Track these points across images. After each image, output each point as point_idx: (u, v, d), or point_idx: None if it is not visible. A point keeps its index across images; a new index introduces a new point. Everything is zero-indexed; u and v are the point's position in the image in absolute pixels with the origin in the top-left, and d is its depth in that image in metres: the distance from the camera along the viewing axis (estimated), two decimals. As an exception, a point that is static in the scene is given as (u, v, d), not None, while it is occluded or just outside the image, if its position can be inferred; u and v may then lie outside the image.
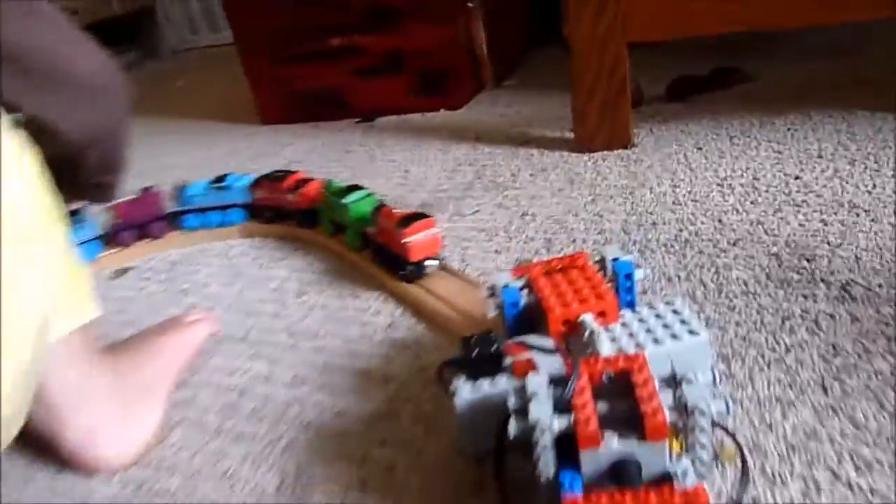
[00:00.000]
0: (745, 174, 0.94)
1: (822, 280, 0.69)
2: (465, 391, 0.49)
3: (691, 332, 0.52)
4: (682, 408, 0.42)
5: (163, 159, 1.61)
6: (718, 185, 0.93)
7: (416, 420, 0.62)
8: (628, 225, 0.87)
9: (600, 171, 1.05)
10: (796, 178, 0.90)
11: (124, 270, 1.04)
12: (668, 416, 0.41)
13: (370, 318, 0.78)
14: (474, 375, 0.50)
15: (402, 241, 0.78)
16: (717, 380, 0.45)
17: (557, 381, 0.44)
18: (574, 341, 0.53)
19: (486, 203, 1.02)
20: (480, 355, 0.51)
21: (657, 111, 1.27)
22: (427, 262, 0.80)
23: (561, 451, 0.42)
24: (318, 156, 1.40)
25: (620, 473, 0.41)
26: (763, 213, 0.83)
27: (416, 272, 0.80)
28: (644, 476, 0.41)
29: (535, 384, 0.43)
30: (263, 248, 1.02)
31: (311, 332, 0.78)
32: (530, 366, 0.50)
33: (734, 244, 0.78)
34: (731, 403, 0.44)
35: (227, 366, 0.76)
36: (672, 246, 0.80)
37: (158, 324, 0.78)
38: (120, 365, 0.67)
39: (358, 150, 1.39)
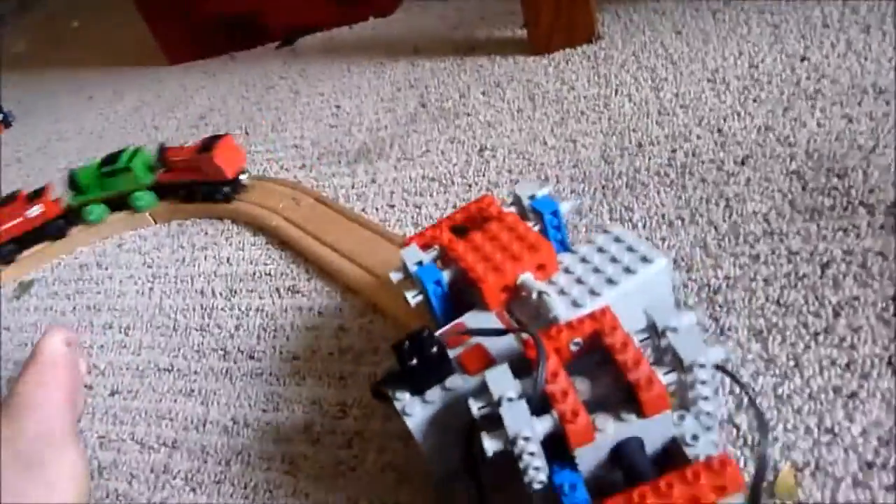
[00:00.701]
0: (739, 61, 0.78)
1: (862, 203, 0.55)
2: (416, 408, 0.41)
3: (645, 259, 0.45)
4: (675, 363, 0.36)
5: (62, 123, 1.40)
6: (710, 80, 0.77)
7: (384, 468, 0.49)
8: (608, 150, 0.72)
9: (565, 78, 0.88)
10: (802, 59, 0.74)
11: (27, 285, 0.88)
12: (665, 381, 0.35)
13: (314, 321, 0.64)
14: (420, 387, 0.41)
15: (215, 163, 0.81)
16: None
17: (519, 367, 0.37)
18: (519, 308, 0.45)
19: (435, 139, 0.85)
20: (421, 362, 0.41)
21: (620, -13, 1.07)
22: (241, 177, 0.85)
23: (547, 446, 0.35)
24: (236, 99, 1.20)
25: (624, 458, 0.35)
26: (771, 115, 0.68)
27: (234, 189, 0.85)
28: (649, 451, 0.36)
29: (498, 382, 0.36)
30: (181, 235, 0.86)
31: (248, 349, 0.64)
32: (481, 354, 0.42)
33: (743, 163, 0.63)
34: (725, 339, 0.39)
35: (154, 409, 0.62)
36: (666, 174, 0.65)
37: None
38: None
39: (280, 84, 1.19)
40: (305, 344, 0.62)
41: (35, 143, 1.36)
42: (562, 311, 0.42)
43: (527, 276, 0.45)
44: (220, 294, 0.73)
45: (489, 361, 0.41)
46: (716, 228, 0.58)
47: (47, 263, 0.91)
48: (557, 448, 0.35)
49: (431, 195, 0.75)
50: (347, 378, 0.57)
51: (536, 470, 0.35)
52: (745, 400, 0.44)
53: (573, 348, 0.38)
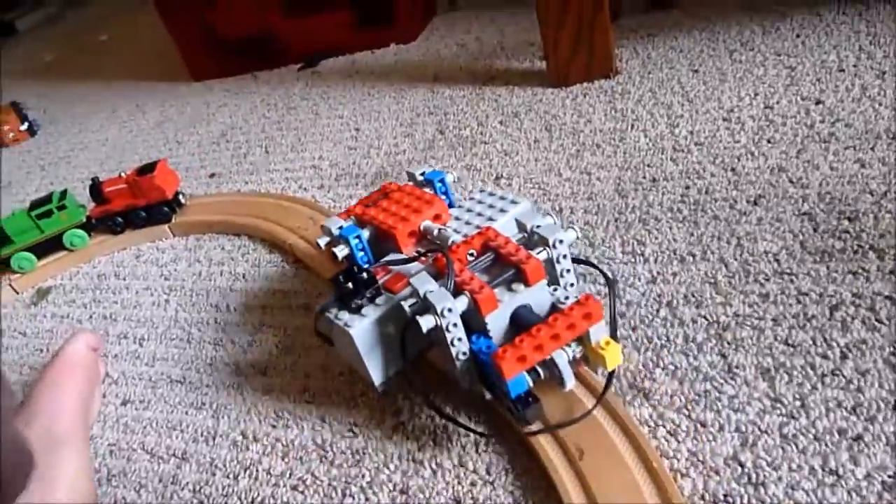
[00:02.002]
0: (754, 102, 0.79)
1: (872, 247, 0.56)
2: (356, 322, 0.50)
3: (513, 202, 0.60)
4: (542, 243, 0.50)
5: (86, 134, 1.43)
6: (725, 119, 0.78)
7: (393, 489, 0.50)
8: (623, 184, 0.73)
9: (582, 111, 0.90)
10: (817, 102, 0.76)
11: (45, 292, 0.90)
12: (539, 256, 0.48)
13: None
14: (356, 307, 0.51)
15: (156, 184, 0.88)
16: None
17: (435, 278, 0.48)
18: (425, 247, 0.57)
19: (452, 165, 0.87)
20: (355, 286, 0.51)
21: (640, 23, 1.10)
22: (181, 198, 0.93)
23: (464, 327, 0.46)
24: (257, 118, 1.22)
25: (520, 321, 0.46)
26: (784, 156, 0.69)
27: (173, 208, 0.92)
28: (538, 316, 0.47)
29: (421, 282, 0.47)
30: (198, 249, 0.87)
31: (260, 365, 0.65)
32: (401, 278, 0.53)
33: (755, 202, 0.64)
34: (577, 230, 0.52)
35: (165, 420, 0.63)
36: (679, 210, 0.67)
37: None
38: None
39: (301, 105, 1.21)
40: (317, 362, 0.63)
41: (58, 153, 1.39)
42: (455, 237, 0.55)
43: (427, 222, 0.58)
44: (235, 309, 0.74)
45: (405, 281, 0.52)
46: (726, 266, 0.59)
47: (66, 272, 0.92)
48: (471, 327, 0.46)
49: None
50: (358, 398, 0.58)
51: (460, 341, 0.46)
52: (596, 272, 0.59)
53: (469, 258, 0.50)
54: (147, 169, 0.90)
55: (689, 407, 0.49)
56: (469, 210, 0.61)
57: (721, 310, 0.55)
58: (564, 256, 0.50)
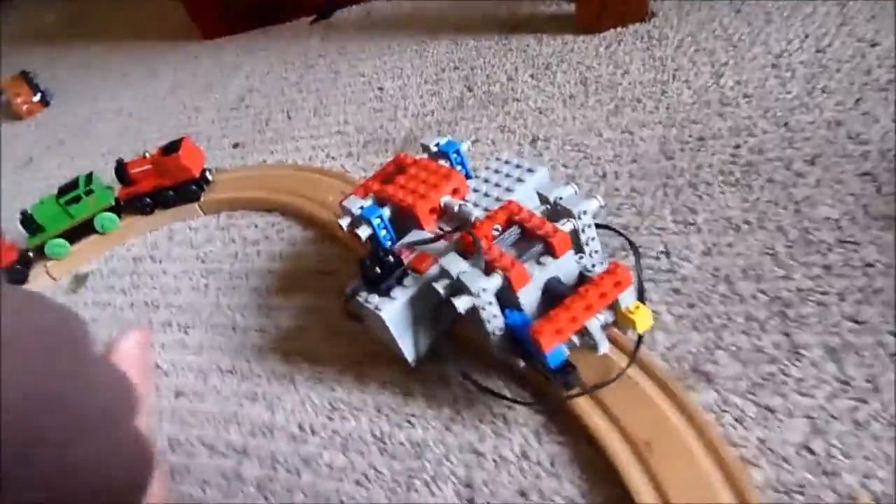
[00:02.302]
0: (804, 45, 0.75)
1: (942, 210, 0.53)
2: (386, 305, 0.52)
3: (530, 170, 0.60)
4: (566, 214, 0.51)
5: (100, 103, 1.41)
6: (774, 65, 0.74)
7: (457, 482, 0.50)
8: (668, 143, 0.70)
9: (618, 60, 0.86)
10: (873, 44, 0.71)
11: (82, 279, 0.90)
12: (563, 229, 0.49)
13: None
14: (385, 289, 0.52)
15: (182, 164, 0.86)
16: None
17: (461, 256, 0.50)
18: (446, 223, 0.57)
19: (484, 126, 0.84)
20: (382, 270, 0.52)
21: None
22: (208, 175, 0.91)
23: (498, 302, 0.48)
24: (275, 79, 1.19)
25: (551, 292, 0.48)
26: (840, 107, 0.66)
27: (201, 186, 0.90)
28: (567, 285, 0.49)
29: (452, 264, 0.48)
30: (231, 228, 0.87)
31: (308, 352, 0.66)
32: (426, 257, 0.54)
33: (812, 162, 0.62)
34: (599, 198, 0.52)
35: (221, 413, 0.64)
36: (731, 173, 0.64)
37: None
38: None
39: (319, 63, 1.18)
40: (366, 349, 0.63)
41: (75, 124, 1.37)
42: (477, 212, 0.55)
43: (447, 198, 0.58)
44: (276, 292, 0.74)
45: (431, 260, 0.53)
46: (785, 235, 0.57)
47: (100, 255, 0.93)
48: (504, 302, 0.48)
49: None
50: (412, 385, 0.58)
51: (495, 317, 0.48)
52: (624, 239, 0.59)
53: (494, 233, 0.51)
54: (171, 148, 0.88)
55: (755, 391, 0.48)
56: (486, 181, 0.61)
57: (782, 284, 0.53)
58: (588, 226, 0.52)
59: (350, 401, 0.59)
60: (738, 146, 0.66)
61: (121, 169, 0.90)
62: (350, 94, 1.04)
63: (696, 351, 0.52)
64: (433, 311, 0.53)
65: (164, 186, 0.90)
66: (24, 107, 1.49)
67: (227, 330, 0.72)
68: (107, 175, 0.95)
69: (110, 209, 0.92)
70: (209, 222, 0.90)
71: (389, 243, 0.59)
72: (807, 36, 0.76)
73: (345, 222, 0.60)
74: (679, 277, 0.57)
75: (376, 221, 0.58)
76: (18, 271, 0.90)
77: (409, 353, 0.55)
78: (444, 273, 0.49)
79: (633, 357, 0.48)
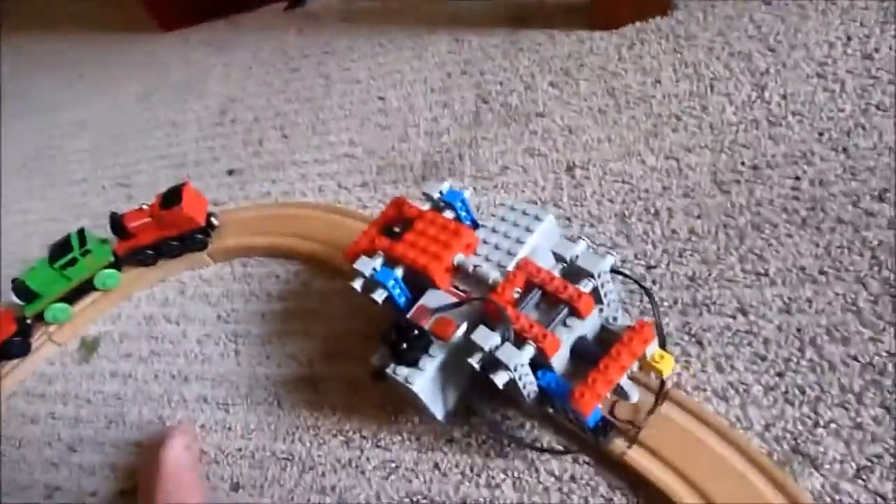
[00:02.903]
0: (848, 49, 0.72)
1: None
2: (416, 377, 0.54)
3: (537, 218, 0.61)
4: (585, 275, 0.52)
5: (61, 115, 1.30)
6: (819, 76, 0.71)
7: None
8: (720, 173, 0.68)
9: (645, 66, 0.81)
10: (926, 49, 0.69)
11: (92, 344, 0.85)
12: (586, 290, 0.52)
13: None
14: (412, 360, 0.54)
15: (186, 215, 0.81)
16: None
17: (480, 321, 0.52)
18: (462, 281, 0.58)
19: (510, 149, 0.80)
20: (408, 344, 0.54)
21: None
22: (213, 221, 0.85)
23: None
24: (258, 85, 1.11)
25: (579, 350, 0.52)
26: (902, 129, 0.64)
27: (207, 233, 0.85)
28: (592, 340, 0.53)
29: (483, 339, 0.50)
30: (249, 279, 0.82)
31: (372, 433, 0.63)
32: (447, 323, 0.55)
33: (881, 198, 0.60)
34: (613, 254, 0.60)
35: (286, 508, 0.62)
36: (795, 211, 0.62)
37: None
38: None
39: (304, 65, 1.10)
40: (435, 427, 0.61)
41: (35, 143, 1.27)
42: (494, 274, 0.56)
43: (460, 257, 0.58)
44: (319, 360, 0.71)
45: (455, 326, 0.54)
46: (866, 287, 0.56)
47: (106, 315, 0.87)
48: (535, 365, 0.50)
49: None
50: (493, 470, 0.57)
51: (531, 383, 0.51)
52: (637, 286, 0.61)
53: (515, 296, 0.53)
54: (171, 198, 0.82)
55: (864, 475, 0.48)
56: (494, 230, 0.61)
57: (872, 348, 0.53)
58: (606, 281, 0.54)
59: (433, 496, 0.58)
60: (797, 177, 0.64)
61: (118, 223, 0.83)
62: (348, 105, 0.98)
63: (794, 430, 0.51)
64: (460, 370, 0.55)
65: (167, 237, 0.84)
66: (-29, 121, 1.37)
67: (272, 407, 0.69)
68: (90, 214, 0.88)
69: (110, 265, 0.86)
70: (222, 272, 0.85)
71: (404, 300, 0.60)
72: (849, 38, 0.73)
73: (358, 284, 0.60)
74: (761, 340, 0.56)
75: (391, 283, 0.59)
76: (19, 344, 0.84)
77: (439, 413, 0.58)
78: (475, 347, 0.50)
79: (658, 397, 0.52)
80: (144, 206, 0.83)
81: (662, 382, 0.52)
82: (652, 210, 0.68)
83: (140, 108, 1.20)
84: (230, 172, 0.97)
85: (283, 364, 0.72)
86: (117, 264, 0.86)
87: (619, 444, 0.52)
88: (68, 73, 1.41)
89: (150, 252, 0.85)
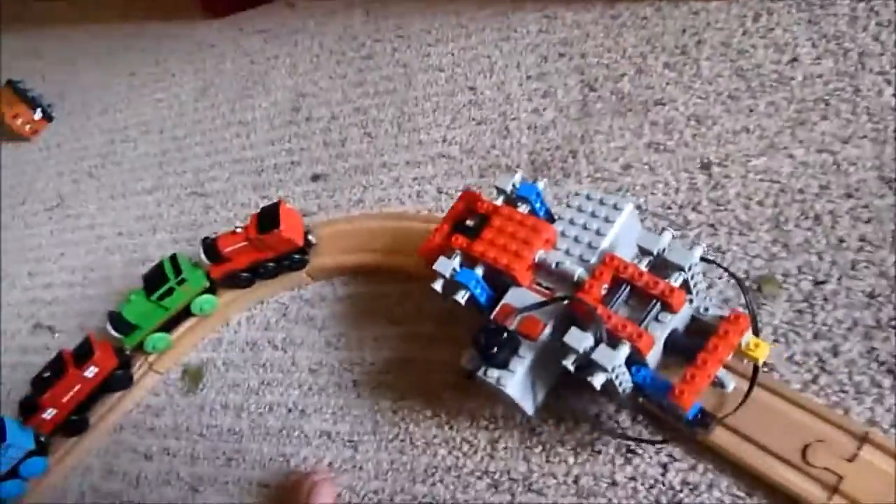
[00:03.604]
0: None
1: None
2: (508, 379, 0.54)
3: (616, 207, 0.59)
4: (675, 268, 0.52)
5: (116, 116, 1.26)
6: None
7: None
8: (885, 167, 0.61)
9: (777, 41, 0.74)
10: None
11: (196, 374, 0.83)
12: (676, 283, 0.51)
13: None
14: (502, 362, 0.54)
15: (285, 238, 0.77)
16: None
17: (567, 319, 0.53)
18: (544, 278, 0.58)
19: (631, 144, 0.74)
20: (498, 347, 0.54)
21: None
22: (311, 239, 0.81)
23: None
24: (328, 76, 1.05)
25: (673, 344, 0.52)
26: None
27: (306, 252, 0.81)
28: (682, 331, 0.53)
29: (576, 340, 0.50)
30: (356, 300, 0.78)
31: (523, 476, 0.60)
32: (534, 323, 0.55)
33: None
34: (703, 245, 0.54)
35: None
36: None
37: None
38: None
39: (377, 52, 1.03)
40: (591, 470, 0.57)
41: (96, 147, 1.23)
42: (578, 270, 0.55)
43: (541, 253, 0.57)
44: (449, 392, 0.67)
45: (542, 325, 0.54)
46: None
47: (205, 340, 0.85)
48: (629, 362, 0.51)
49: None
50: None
51: (627, 381, 0.51)
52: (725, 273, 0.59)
53: (603, 293, 0.52)
54: (267, 220, 0.78)
55: None
56: (572, 222, 0.59)
57: None
58: (696, 273, 0.53)
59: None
60: None
61: (212, 249, 0.80)
62: (435, 97, 0.92)
63: None
64: (549, 366, 0.56)
65: (264, 260, 0.80)
66: (27, 126, 1.34)
67: (404, 445, 0.66)
68: (167, 226, 0.85)
69: (206, 291, 0.83)
70: (324, 292, 0.81)
71: (486, 299, 0.60)
72: None
73: (438, 286, 0.61)
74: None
75: (473, 284, 0.59)
76: (122, 377, 0.82)
77: (529, 408, 0.58)
78: (569, 349, 0.51)
79: (753, 382, 0.51)
80: (238, 229, 0.79)
81: (756, 369, 0.51)
82: (811, 214, 0.62)
83: (201, 105, 1.16)
84: (315, 178, 0.93)
85: (407, 395, 0.69)
86: (213, 289, 0.83)
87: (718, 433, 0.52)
88: (115, 69, 1.36)
89: (245, 275, 0.82)
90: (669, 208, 0.68)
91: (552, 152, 0.78)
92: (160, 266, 0.81)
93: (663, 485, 0.55)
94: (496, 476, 0.61)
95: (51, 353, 0.85)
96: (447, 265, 0.60)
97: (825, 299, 0.57)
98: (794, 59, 0.71)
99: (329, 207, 0.89)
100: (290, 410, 0.74)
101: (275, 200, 0.81)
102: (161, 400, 0.83)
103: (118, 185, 1.13)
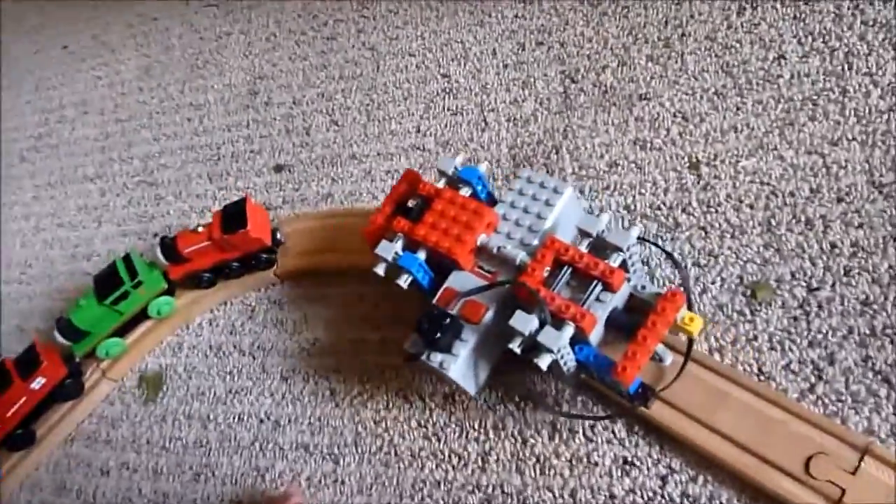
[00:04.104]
0: None
1: None
2: (451, 363, 0.55)
3: (556, 191, 0.60)
4: (614, 249, 0.54)
5: (51, 94, 1.17)
6: (980, 51, 0.64)
7: None
8: (875, 171, 0.61)
9: (764, 37, 0.73)
10: None
11: (156, 381, 0.78)
12: (614, 264, 0.53)
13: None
14: (445, 346, 0.55)
15: (253, 237, 0.73)
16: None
17: (509, 303, 0.55)
18: (486, 261, 0.59)
19: (616, 140, 0.73)
20: (441, 332, 0.55)
21: None
22: (279, 237, 0.78)
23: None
24: (289, 57, 1.00)
25: (613, 322, 0.54)
26: None
27: (274, 251, 0.77)
28: (621, 309, 0.56)
29: (522, 323, 0.52)
30: (329, 303, 0.75)
31: (514, 489, 0.59)
32: (476, 307, 0.56)
33: None
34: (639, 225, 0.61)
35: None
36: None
37: None
38: None
39: (342, 32, 0.98)
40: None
41: (29, 127, 1.14)
42: (520, 254, 0.57)
43: (483, 237, 0.59)
44: (437, 400, 0.65)
45: (484, 309, 0.55)
46: None
47: (163, 345, 0.80)
48: (572, 342, 0.52)
49: (657, 243, 0.65)
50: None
51: (571, 360, 0.53)
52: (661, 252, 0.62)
53: (545, 275, 0.54)
54: (233, 220, 0.73)
55: None
56: (513, 205, 0.61)
57: None
58: (634, 252, 0.55)
59: None
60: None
61: (170, 248, 0.75)
62: (405, 84, 0.88)
63: None
64: (491, 348, 0.58)
65: (227, 260, 0.76)
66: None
67: (390, 458, 0.64)
68: (115, 218, 0.81)
69: (163, 293, 0.77)
70: (294, 294, 0.77)
71: (428, 283, 0.61)
72: None
73: (381, 270, 0.61)
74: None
75: (416, 269, 0.60)
76: (71, 386, 0.77)
77: (472, 389, 0.59)
78: (514, 332, 0.52)
79: (688, 356, 0.54)
80: (200, 228, 0.74)
81: (691, 342, 0.54)
82: (802, 218, 0.62)
83: (146, 85, 1.08)
84: (278, 169, 0.88)
85: (392, 404, 0.66)
86: (171, 290, 0.78)
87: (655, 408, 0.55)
88: (51, 42, 1.26)
89: (207, 276, 0.77)
90: (659, 209, 0.67)
91: (533, 147, 0.76)
92: (112, 267, 0.76)
93: (663, 497, 0.54)
94: (489, 490, 0.59)
95: (-13, 357, 0.78)
96: (389, 249, 0.61)
97: (819, 306, 0.57)
98: (781, 57, 0.71)
99: (295, 201, 0.84)
100: (262, 421, 0.71)
101: (240, 196, 0.76)
102: (116, 409, 0.78)
103: (56, 170, 1.05)
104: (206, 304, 0.80)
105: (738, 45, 0.73)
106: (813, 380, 0.55)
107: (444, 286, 0.59)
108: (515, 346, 0.52)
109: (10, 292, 0.94)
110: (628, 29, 0.80)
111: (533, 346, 0.52)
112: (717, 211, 0.65)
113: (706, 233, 0.64)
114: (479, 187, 0.63)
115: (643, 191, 0.68)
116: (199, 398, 0.75)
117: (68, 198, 1.00)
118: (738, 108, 0.69)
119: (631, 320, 0.53)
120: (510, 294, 0.56)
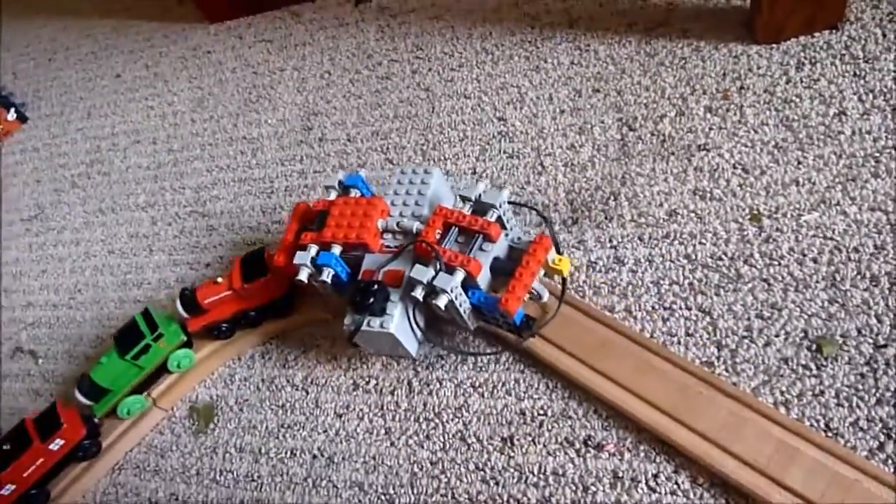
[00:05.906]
0: None
1: None
2: (390, 322, 0.64)
3: (427, 172, 0.72)
4: (489, 207, 0.66)
5: (100, 121, 1.21)
6: None
7: None
8: (943, 231, 0.62)
9: (822, 91, 0.75)
10: None
11: (207, 412, 0.79)
12: (493, 219, 0.66)
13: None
14: (380, 310, 0.65)
15: (273, 286, 0.78)
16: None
17: (417, 262, 0.65)
18: (389, 241, 0.70)
19: (675, 190, 0.74)
20: (374, 297, 0.64)
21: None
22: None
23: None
24: (342, 95, 1.03)
25: (495, 269, 0.65)
26: None
27: (291, 297, 0.81)
28: (504, 258, 0.67)
29: (420, 274, 0.63)
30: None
31: (574, 537, 0.59)
32: (395, 273, 0.66)
33: None
34: (508, 188, 0.72)
35: None
36: None
37: None
38: None
39: (395, 73, 1.01)
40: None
41: (79, 154, 1.18)
42: (415, 224, 0.68)
43: (381, 222, 0.70)
44: (490, 443, 0.66)
45: (402, 272, 0.66)
46: None
47: (211, 376, 0.81)
48: (465, 286, 0.64)
49: (719, 294, 0.66)
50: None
51: (465, 302, 0.64)
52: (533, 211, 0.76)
53: (437, 236, 0.65)
54: (253, 268, 0.78)
55: None
56: (396, 193, 0.72)
57: None
58: (507, 210, 0.68)
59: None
60: None
61: (191, 300, 0.77)
62: (461, 125, 0.91)
63: None
64: (418, 311, 0.68)
65: (247, 310, 0.79)
66: (-2, 127, 1.27)
67: (445, 500, 0.65)
68: (166, 247, 0.82)
69: (183, 345, 0.80)
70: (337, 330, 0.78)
71: (346, 276, 0.70)
72: None
73: (304, 276, 0.69)
74: None
75: (334, 263, 0.68)
76: (89, 447, 0.78)
77: (413, 350, 0.69)
78: (416, 282, 0.63)
79: (563, 291, 0.67)
80: (220, 280, 0.77)
81: (564, 281, 0.67)
82: (868, 274, 0.63)
83: (199, 117, 1.11)
84: (332, 204, 0.90)
85: (448, 447, 0.67)
86: (189, 342, 0.80)
87: (535, 343, 0.66)
88: (104, 71, 1.30)
89: (225, 326, 0.79)
90: (720, 259, 0.68)
91: (591, 192, 0.78)
92: (133, 323, 0.78)
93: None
94: (549, 537, 0.60)
95: (34, 379, 0.80)
96: (305, 256, 0.69)
97: (887, 364, 0.58)
98: (842, 113, 0.73)
99: (349, 237, 0.86)
100: (315, 457, 0.72)
101: (258, 247, 0.80)
102: (166, 439, 0.79)
103: (107, 197, 1.08)
104: (225, 355, 0.81)
105: (797, 100, 0.75)
106: (882, 438, 0.55)
107: (362, 269, 0.69)
108: (418, 294, 0.63)
109: (60, 316, 0.96)
110: (685, 80, 0.82)
111: (432, 291, 0.62)
112: (779, 264, 0.66)
113: (769, 285, 0.65)
114: (364, 190, 0.74)
115: (703, 241, 0.70)
116: (251, 431, 0.76)
117: (119, 225, 1.03)
118: (798, 162, 0.71)
119: (511, 266, 0.64)
120: (415, 256, 0.66)
